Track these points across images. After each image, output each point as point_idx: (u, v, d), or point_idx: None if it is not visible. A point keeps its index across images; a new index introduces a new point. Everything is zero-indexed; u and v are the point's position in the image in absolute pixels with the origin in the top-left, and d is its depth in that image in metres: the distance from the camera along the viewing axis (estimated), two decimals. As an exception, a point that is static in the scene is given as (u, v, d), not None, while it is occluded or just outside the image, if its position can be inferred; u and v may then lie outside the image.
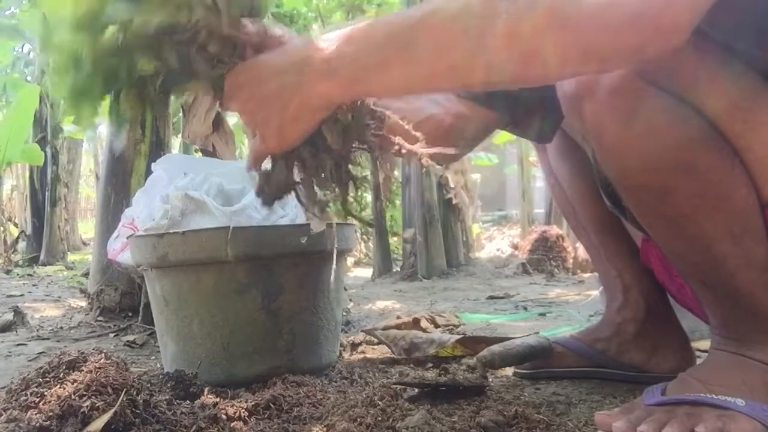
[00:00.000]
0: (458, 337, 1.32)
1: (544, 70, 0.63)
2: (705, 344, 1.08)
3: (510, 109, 1.01)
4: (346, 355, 1.45)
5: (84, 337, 1.78)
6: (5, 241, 6.21)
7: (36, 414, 0.78)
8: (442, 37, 0.62)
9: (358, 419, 0.81)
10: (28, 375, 0.88)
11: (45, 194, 6.17)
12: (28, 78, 7.58)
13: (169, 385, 1.01)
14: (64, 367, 0.87)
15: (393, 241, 5.36)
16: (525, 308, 2.44)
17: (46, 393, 0.82)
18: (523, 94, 0.99)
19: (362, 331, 1.62)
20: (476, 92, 0.99)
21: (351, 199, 0.73)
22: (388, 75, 0.65)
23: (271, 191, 0.73)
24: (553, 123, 1.04)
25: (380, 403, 0.85)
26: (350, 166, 0.72)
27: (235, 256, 1.10)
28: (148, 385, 0.90)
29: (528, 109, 1.02)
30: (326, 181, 0.72)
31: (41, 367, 0.89)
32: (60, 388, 0.82)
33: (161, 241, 1.14)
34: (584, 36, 0.60)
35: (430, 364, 1.28)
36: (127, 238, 1.32)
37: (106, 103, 0.72)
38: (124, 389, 0.81)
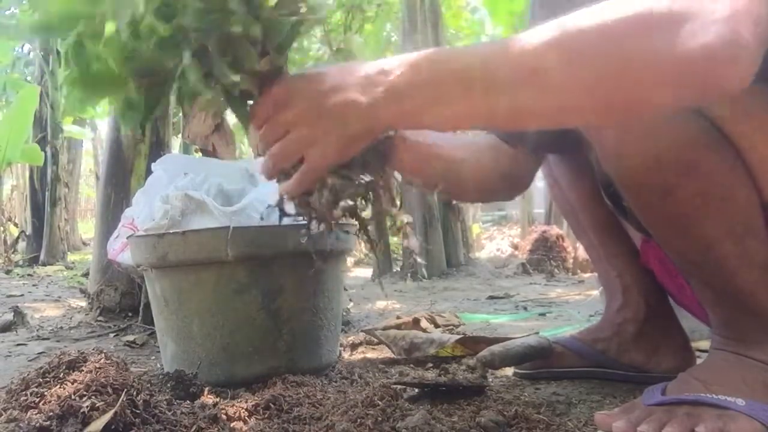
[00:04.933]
0: (458, 337, 1.32)
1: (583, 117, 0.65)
2: (705, 344, 1.08)
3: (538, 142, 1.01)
4: (346, 355, 1.44)
5: (84, 337, 1.78)
6: (5, 241, 6.21)
7: (36, 414, 0.78)
8: (499, 77, 0.62)
9: (358, 419, 0.81)
10: (28, 375, 0.88)
11: (45, 194, 6.16)
12: (28, 78, 7.58)
13: (169, 385, 1.01)
14: (64, 367, 0.87)
15: (393, 241, 5.36)
16: (525, 308, 2.44)
17: (46, 393, 0.82)
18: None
19: (362, 331, 1.62)
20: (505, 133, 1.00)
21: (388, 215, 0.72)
22: (451, 109, 0.64)
23: (319, 217, 0.70)
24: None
25: (380, 403, 0.85)
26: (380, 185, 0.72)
27: (235, 256, 1.10)
28: (148, 385, 0.90)
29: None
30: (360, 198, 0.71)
31: (41, 367, 0.89)
32: (60, 388, 0.82)
33: (161, 241, 1.14)
34: (631, 91, 0.60)
35: (430, 364, 1.28)
36: (127, 238, 1.32)
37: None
38: (124, 389, 0.81)
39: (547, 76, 0.60)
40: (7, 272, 4.98)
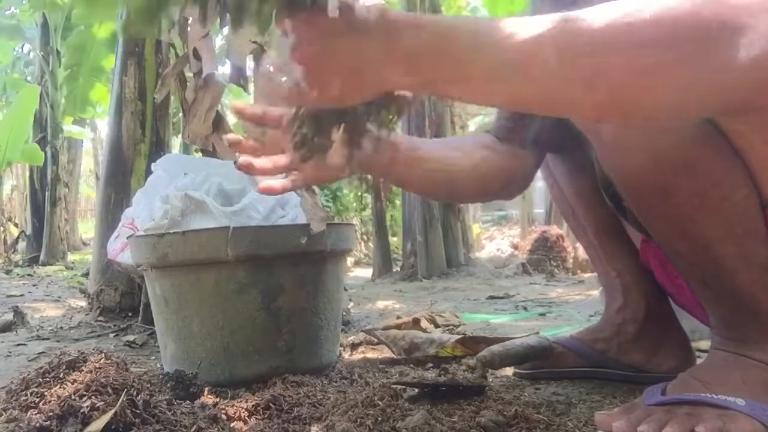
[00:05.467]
0: (458, 337, 1.32)
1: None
2: (705, 344, 1.08)
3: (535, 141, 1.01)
4: (346, 355, 1.45)
5: (84, 337, 1.78)
6: (5, 241, 6.22)
7: (36, 414, 0.78)
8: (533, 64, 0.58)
9: (358, 419, 0.81)
10: (28, 375, 0.88)
11: (45, 194, 6.18)
12: (28, 78, 7.59)
13: (169, 385, 1.01)
14: (64, 367, 0.87)
15: (393, 240, 5.37)
16: (525, 308, 2.45)
17: (46, 393, 0.82)
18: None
19: (362, 331, 1.62)
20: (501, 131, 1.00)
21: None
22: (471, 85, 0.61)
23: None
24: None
25: (380, 403, 0.85)
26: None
27: (235, 256, 1.10)
28: (148, 385, 0.90)
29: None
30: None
31: (41, 367, 0.89)
32: (60, 388, 0.82)
33: (161, 241, 1.14)
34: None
35: (430, 364, 1.28)
36: (127, 238, 1.32)
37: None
38: (124, 389, 0.81)
39: (579, 67, 0.57)
40: (7, 272, 4.99)
